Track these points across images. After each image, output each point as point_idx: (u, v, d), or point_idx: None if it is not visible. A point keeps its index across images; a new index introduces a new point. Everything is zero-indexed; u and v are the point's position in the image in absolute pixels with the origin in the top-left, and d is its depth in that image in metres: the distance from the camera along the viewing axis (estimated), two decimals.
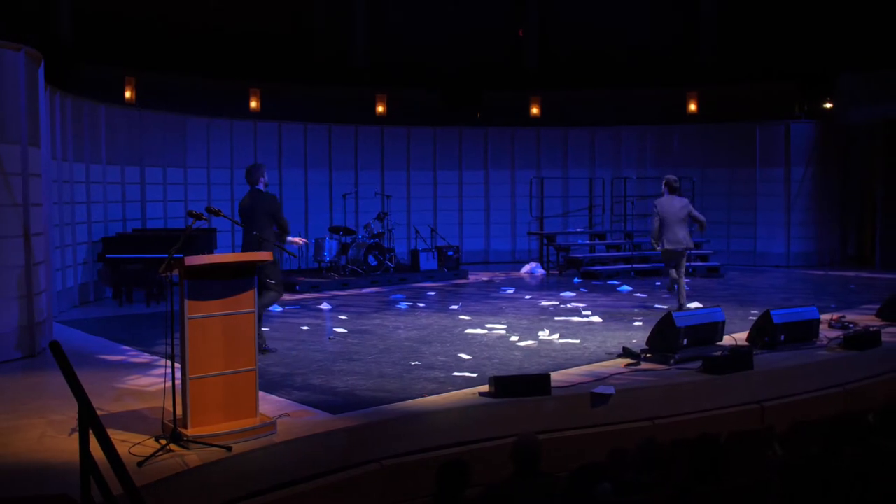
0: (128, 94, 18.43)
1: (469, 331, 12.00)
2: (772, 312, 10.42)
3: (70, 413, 7.13)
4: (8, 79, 10.25)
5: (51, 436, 6.95)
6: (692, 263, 19.70)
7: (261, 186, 10.21)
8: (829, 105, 21.47)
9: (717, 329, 10.07)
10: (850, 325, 11.65)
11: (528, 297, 15.80)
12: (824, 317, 11.52)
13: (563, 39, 24.02)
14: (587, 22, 23.74)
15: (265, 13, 21.74)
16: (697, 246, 19.25)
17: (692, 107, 22.54)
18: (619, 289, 16.83)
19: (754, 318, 11.06)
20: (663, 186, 13.38)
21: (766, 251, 21.40)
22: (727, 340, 10.18)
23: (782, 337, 10.35)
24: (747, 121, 21.50)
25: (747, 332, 10.74)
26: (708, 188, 21.88)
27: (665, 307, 13.52)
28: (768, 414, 9.03)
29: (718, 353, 9.49)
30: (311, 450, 6.92)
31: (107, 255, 14.84)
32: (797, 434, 6.86)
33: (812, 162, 21.19)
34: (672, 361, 9.49)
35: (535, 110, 23.06)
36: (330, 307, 14.59)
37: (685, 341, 9.60)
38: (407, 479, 7.24)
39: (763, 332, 10.41)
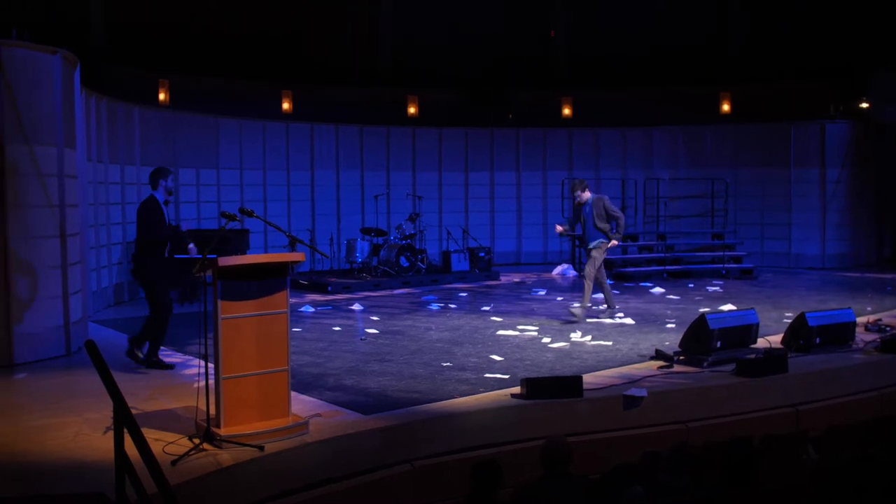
0: (161, 96, 18.57)
1: (500, 332, 11.98)
2: (807, 315, 10.32)
3: (105, 412, 7.20)
4: (45, 82, 10.37)
5: (86, 434, 7.02)
6: (726, 265, 19.59)
7: (160, 192, 9.52)
8: (864, 105, 21.24)
9: (751, 331, 9.99)
10: (887, 329, 11.49)
11: (559, 298, 15.75)
12: (860, 319, 11.38)
13: (593, 39, 23.93)
14: (618, 21, 23.64)
15: (296, 17, 21.82)
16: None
17: (725, 107, 22.38)
18: (651, 290, 16.73)
19: (789, 321, 10.96)
20: (583, 188, 13.03)
21: (801, 253, 21.21)
22: (761, 343, 10.09)
23: (817, 340, 10.25)
24: (781, 121, 21.32)
25: (782, 335, 10.64)
26: (741, 189, 21.72)
27: (699, 309, 13.43)
28: (803, 418, 8.94)
29: (752, 356, 9.41)
30: (342, 450, 6.94)
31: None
32: (832, 438, 6.79)
33: (847, 162, 20.97)
34: (705, 364, 9.42)
35: (566, 111, 22.99)
36: (362, 308, 14.62)
37: (719, 344, 9.54)
38: (438, 480, 7.24)
39: (798, 335, 10.31)
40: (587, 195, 12.91)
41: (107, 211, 14.71)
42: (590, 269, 12.80)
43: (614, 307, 13.20)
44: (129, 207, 15.60)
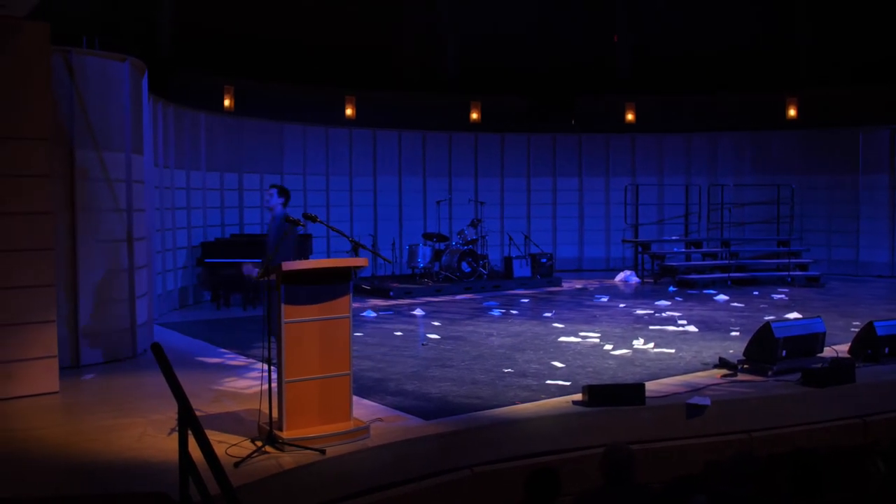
0: (226, 102, 18.80)
1: (562, 339, 11.92)
2: (875, 324, 10.11)
3: (169, 413, 7.30)
4: (114, 89, 10.57)
5: (151, 435, 7.13)
6: (791, 273, 19.26)
7: None
8: None
9: (818, 340, 9.82)
10: None
11: (622, 305, 15.64)
12: None
13: (657, 43, 23.70)
14: (681, 25, 23.40)
15: (359, 24, 21.93)
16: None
17: (791, 112, 22.04)
18: (715, 298, 16.53)
19: (856, 330, 10.76)
20: (280, 196, 9.92)
21: (870, 260, 20.78)
22: (828, 352, 9.90)
23: (886, 349, 10.04)
24: (849, 126, 20.95)
25: (849, 344, 10.45)
26: (808, 196, 21.38)
27: (764, 317, 13.23)
28: (871, 429, 8.76)
29: (818, 366, 9.25)
30: (403, 455, 6.96)
31: (205, 260, 15.20)
32: None
33: None
34: (770, 373, 9.28)
35: (629, 116, 22.80)
36: (423, 313, 14.64)
37: (784, 352, 9.39)
38: (498, 486, 7.22)
39: (866, 345, 10.11)
40: (277, 207, 9.85)
41: (172, 215, 14.93)
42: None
43: None
44: (194, 212, 15.85)
